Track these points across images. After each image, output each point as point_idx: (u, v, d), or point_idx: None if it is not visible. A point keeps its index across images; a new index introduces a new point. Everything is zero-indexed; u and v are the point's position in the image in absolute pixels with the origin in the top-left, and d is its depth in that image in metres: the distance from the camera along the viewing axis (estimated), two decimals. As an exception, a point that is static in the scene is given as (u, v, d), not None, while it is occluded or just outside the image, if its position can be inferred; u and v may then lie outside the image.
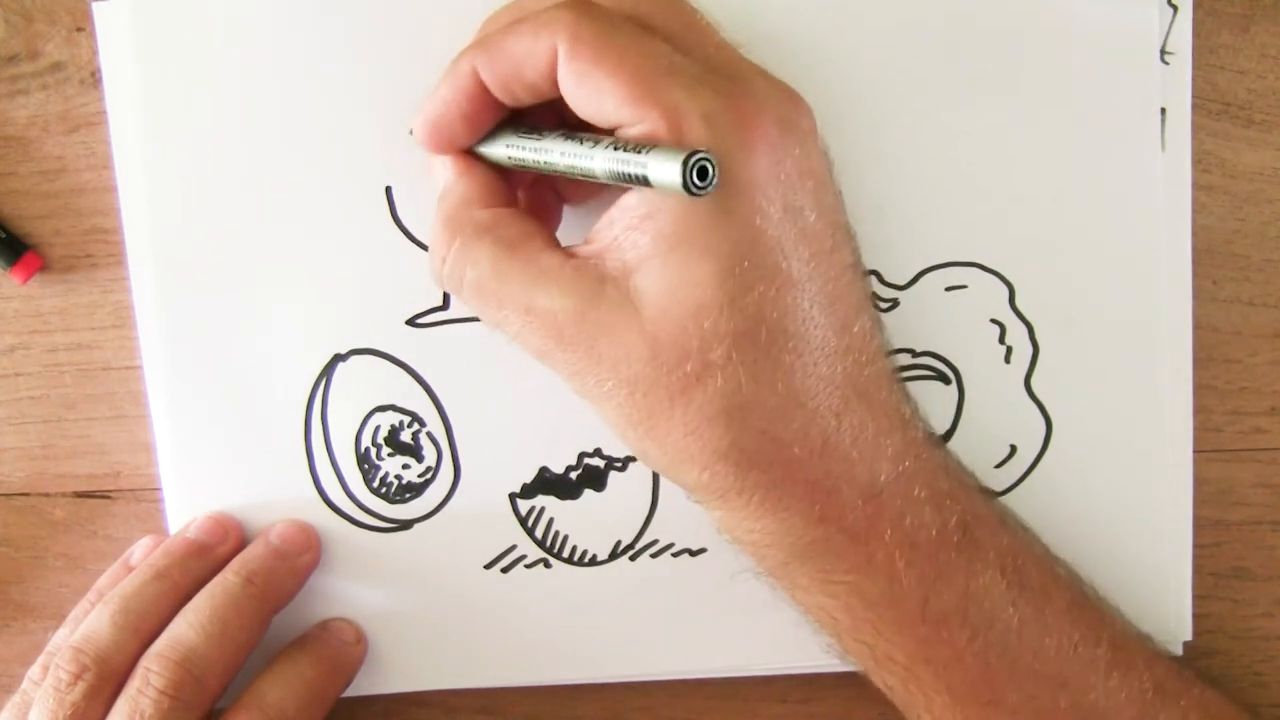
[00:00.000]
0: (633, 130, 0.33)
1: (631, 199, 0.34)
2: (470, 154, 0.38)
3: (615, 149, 0.32)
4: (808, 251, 0.34)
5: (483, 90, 0.35)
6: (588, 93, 0.33)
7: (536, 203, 0.40)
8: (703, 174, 0.30)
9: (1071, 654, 0.37)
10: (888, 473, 0.35)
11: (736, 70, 0.35)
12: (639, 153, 0.31)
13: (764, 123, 0.33)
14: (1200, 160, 0.42)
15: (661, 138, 0.32)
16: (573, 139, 0.34)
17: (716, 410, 0.34)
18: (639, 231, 0.34)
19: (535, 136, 0.35)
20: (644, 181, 0.31)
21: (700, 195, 0.31)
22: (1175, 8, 0.41)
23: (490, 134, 0.37)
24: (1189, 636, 0.43)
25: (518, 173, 0.38)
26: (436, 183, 0.38)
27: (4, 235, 0.42)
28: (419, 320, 0.42)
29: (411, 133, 0.40)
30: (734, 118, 0.33)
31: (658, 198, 0.33)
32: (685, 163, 0.30)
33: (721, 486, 0.35)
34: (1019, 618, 0.36)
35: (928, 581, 0.36)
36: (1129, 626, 0.40)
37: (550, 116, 0.37)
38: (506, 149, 0.36)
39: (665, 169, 0.31)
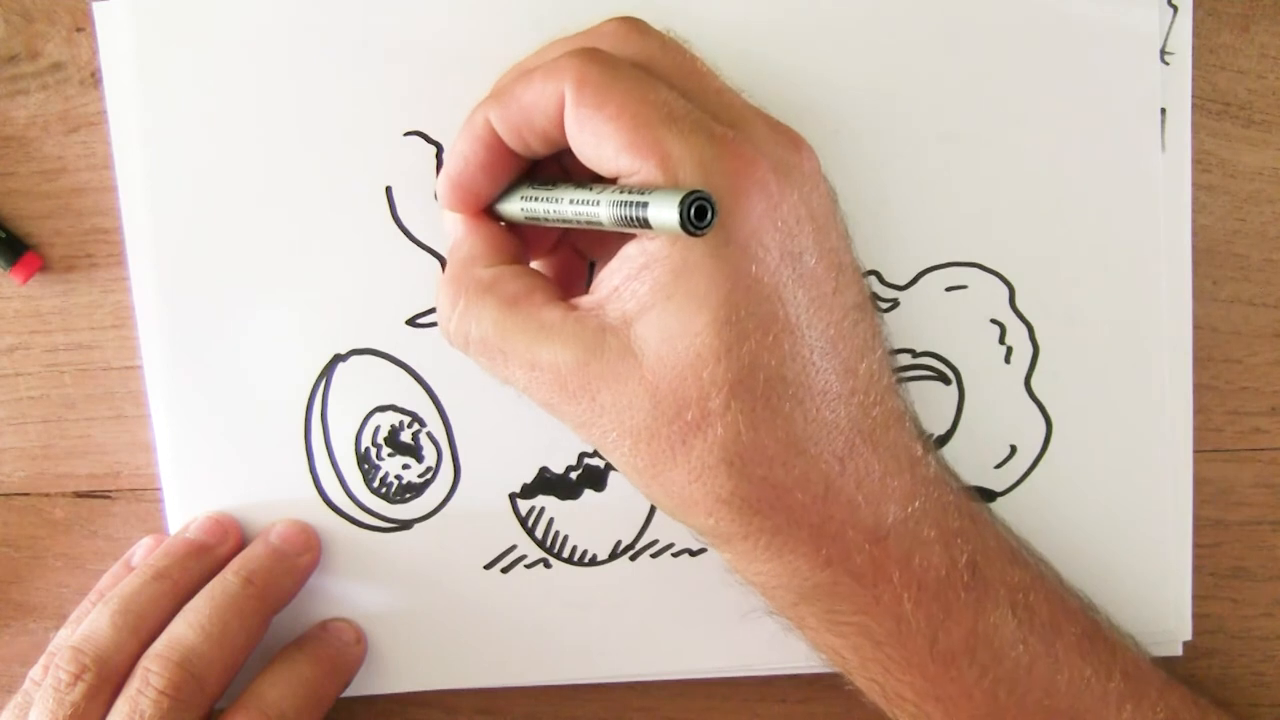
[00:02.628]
0: (633, 179, 0.33)
1: (631, 249, 0.34)
2: (482, 213, 0.38)
3: (619, 194, 0.32)
4: (807, 297, 0.34)
5: (498, 141, 0.36)
6: (589, 138, 0.33)
7: (561, 266, 0.40)
8: (701, 214, 0.31)
9: (1083, 688, 0.37)
10: (895, 514, 0.35)
11: (736, 116, 0.35)
12: (640, 194, 0.32)
13: (759, 170, 0.33)
14: (1200, 160, 0.42)
15: (658, 186, 0.32)
16: (581, 188, 0.34)
17: (717, 459, 0.34)
18: (637, 281, 0.34)
19: (547, 188, 0.36)
20: (645, 224, 0.32)
21: (699, 234, 0.31)
22: (1175, 8, 0.41)
23: (505, 192, 0.37)
24: (1189, 636, 0.43)
25: (537, 235, 0.39)
26: (445, 235, 0.38)
27: (4, 235, 0.42)
28: (419, 320, 0.42)
29: (407, 133, 0.41)
30: (728, 165, 0.33)
31: (654, 247, 0.33)
32: (683, 202, 0.30)
33: (727, 531, 0.35)
34: (1029, 654, 0.36)
35: (936, 621, 0.36)
36: (1142, 656, 0.40)
37: (561, 174, 0.37)
38: (520, 203, 0.37)
39: (664, 210, 0.31)
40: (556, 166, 0.38)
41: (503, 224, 0.38)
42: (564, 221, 0.35)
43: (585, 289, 0.37)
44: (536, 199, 0.36)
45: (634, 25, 0.36)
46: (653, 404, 0.34)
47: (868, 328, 0.36)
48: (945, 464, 0.39)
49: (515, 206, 0.37)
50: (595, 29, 0.36)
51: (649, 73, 0.34)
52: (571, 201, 0.34)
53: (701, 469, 0.34)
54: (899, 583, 0.35)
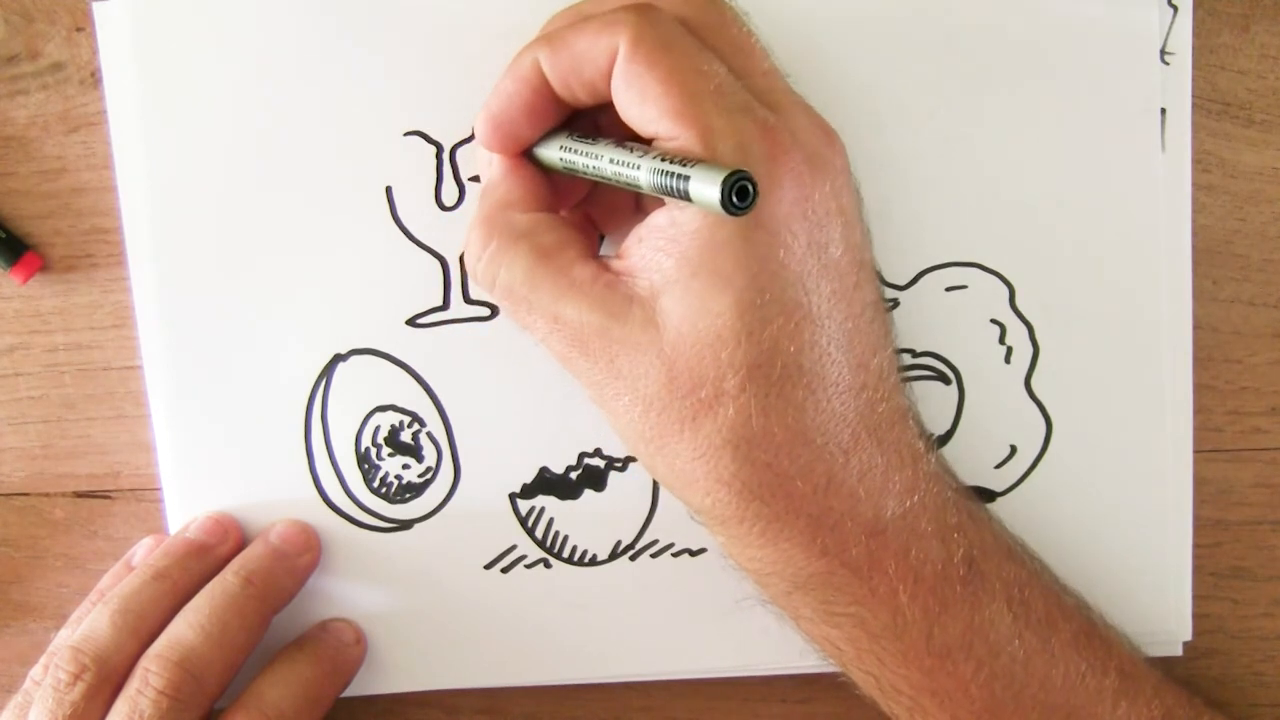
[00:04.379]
0: (669, 144, 0.33)
1: (660, 219, 0.34)
2: (520, 155, 0.38)
3: (662, 159, 0.33)
4: (829, 288, 0.34)
5: (545, 84, 0.36)
6: (634, 97, 0.34)
7: (578, 224, 0.40)
8: (742, 194, 0.31)
9: (1078, 684, 0.37)
10: (894, 509, 0.36)
11: (778, 101, 0.35)
12: (684, 165, 0.32)
13: (794, 158, 0.34)
14: (1200, 160, 0.42)
15: (698, 157, 0.32)
16: (623, 147, 0.34)
17: (724, 440, 0.34)
18: (664, 254, 0.34)
19: (588, 141, 0.36)
20: (684, 195, 0.32)
21: (738, 214, 0.31)
22: (1175, 8, 0.41)
23: (544, 138, 0.37)
24: (1189, 636, 0.43)
25: (566, 191, 0.39)
26: (481, 172, 0.38)
27: (4, 235, 0.42)
28: (419, 320, 0.42)
29: (407, 133, 0.41)
30: (766, 149, 0.33)
31: (684, 219, 0.34)
32: (726, 180, 0.30)
33: (723, 513, 0.35)
34: (1025, 649, 0.37)
35: (932, 615, 0.36)
36: (1137, 654, 0.40)
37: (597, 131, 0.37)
38: (560, 150, 0.37)
39: (706, 185, 0.31)
40: (591, 124, 0.38)
41: (539, 171, 0.38)
42: (600, 177, 0.35)
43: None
44: (576, 151, 0.36)
45: None
46: (668, 377, 0.34)
47: (881, 325, 0.36)
48: (945, 462, 0.39)
49: (554, 154, 0.37)
50: None
51: (703, 40, 0.34)
52: (612, 160, 0.34)
53: (707, 448, 0.34)
54: (895, 575, 0.35)
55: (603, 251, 0.41)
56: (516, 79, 0.36)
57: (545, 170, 0.38)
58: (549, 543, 0.43)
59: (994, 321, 0.42)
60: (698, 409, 0.34)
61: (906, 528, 0.36)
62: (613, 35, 0.34)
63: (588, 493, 0.42)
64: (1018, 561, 0.38)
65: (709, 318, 0.33)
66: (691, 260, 0.33)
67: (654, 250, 0.34)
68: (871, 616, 0.36)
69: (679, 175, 0.32)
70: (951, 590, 0.36)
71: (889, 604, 0.36)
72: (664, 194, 0.33)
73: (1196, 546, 0.43)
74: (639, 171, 0.33)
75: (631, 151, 0.34)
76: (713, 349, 0.33)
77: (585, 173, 0.36)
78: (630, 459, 0.42)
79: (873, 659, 0.37)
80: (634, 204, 0.40)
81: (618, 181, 0.34)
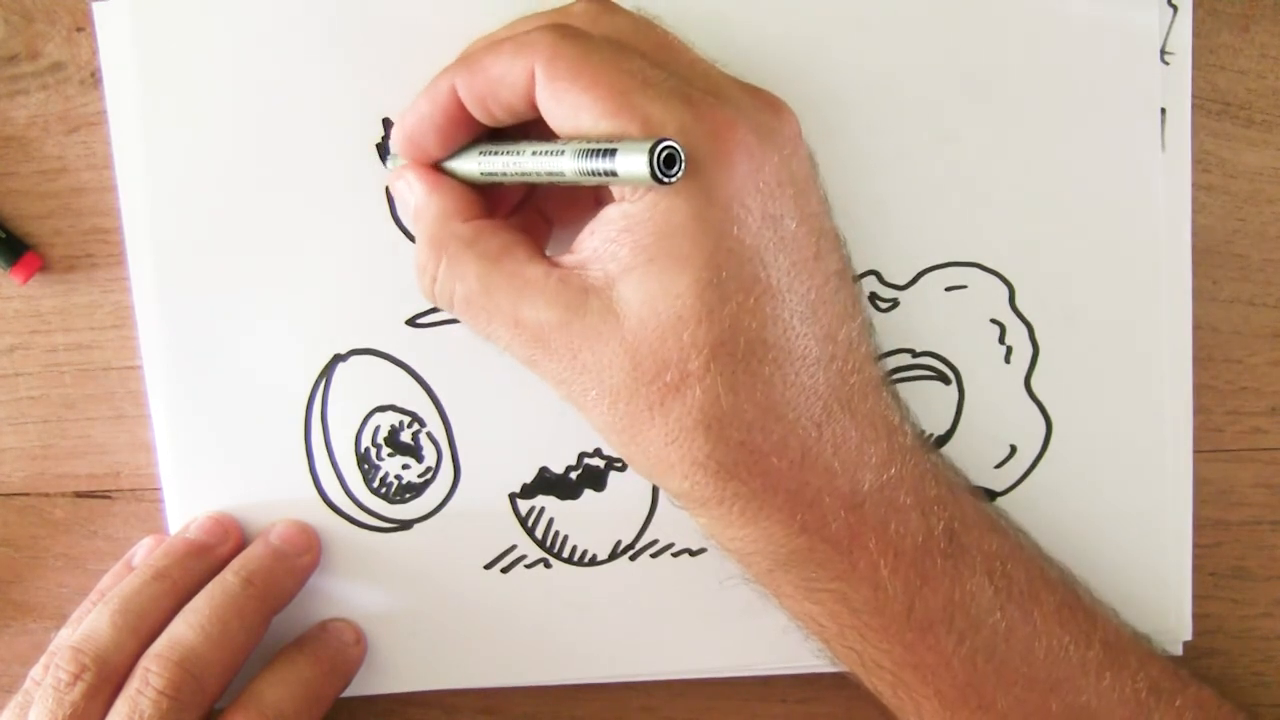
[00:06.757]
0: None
1: (611, 211, 0.34)
2: (439, 171, 0.38)
3: (584, 145, 0.32)
4: (788, 260, 0.34)
5: (459, 107, 0.36)
6: (566, 110, 0.34)
7: (524, 226, 0.40)
8: (670, 162, 0.31)
9: (1062, 656, 0.37)
10: (871, 481, 0.36)
11: (712, 83, 0.35)
12: (606, 146, 0.32)
13: (739, 131, 0.33)
14: (1200, 160, 0.42)
15: (618, 135, 0.32)
16: (543, 143, 0.34)
17: (694, 421, 0.34)
18: (617, 244, 0.34)
19: (507, 143, 0.36)
20: (612, 174, 0.31)
21: (667, 183, 0.31)
22: (1175, 8, 0.41)
23: (461, 150, 0.37)
24: (1189, 636, 0.43)
25: (502, 195, 0.39)
26: (402, 201, 0.39)
27: (4, 235, 0.42)
28: (419, 320, 0.42)
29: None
30: (708, 127, 0.33)
31: (636, 210, 0.33)
32: (652, 151, 0.30)
33: (702, 495, 0.35)
34: (1007, 622, 0.37)
35: (913, 588, 0.36)
36: (1123, 627, 0.40)
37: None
38: (479, 161, 0.37)
39: (632, 160, 0.31)
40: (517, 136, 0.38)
41: (463, 181, 0.38)
42: (523, 175, 0.35)
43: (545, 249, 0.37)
44: (496, 153, 0.36)
45: (604, 4, 0.36)
46: (632, 364, 0.34)
47: (848, 295, 0.36)
48: (921, 433, 0.39)
49: (473, 164, 0.37)
50: (565, 8, 0.36)
51: (621, 46, 0.35)
52: (534, 153, 0.34)
53: (679, 431, 0.34)
54: (875, 549, 0.35)
55: (551, 252, 0.41)
56: (431, 101, 0.36)
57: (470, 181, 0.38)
58: (549, 543, 0.43)
59: (994, 321, 0.42)
60: (665, 393, 0.34)
61: (885, 501, 0.36)
62: (528, 57, 0.34)
63: (588, 493, 0.42)
64: (1000, 533, 0.38)
65: (668, 300, 0.33)
66: (647, 247, 0.33)
67: (607, 241, 0.34)
68: (853, 591, 0.36)
69: (604, 151, 0.31)
70: (932, 563, 0.36)
71: (870, 579, 0.36)
72: (591, 177, 0.32)
73: (1196, 546, 0.43)
74: (563, 158, 0.33)
75: (554, 142, 0.34)
76: (674, 331, 0.33)
77: (507, 174, 0.35)
78: (630, 459, 0.42)
79: (855, 634, 0.37)
80: (593, 197, 0.40)
81: (540, 175, 0.34)
